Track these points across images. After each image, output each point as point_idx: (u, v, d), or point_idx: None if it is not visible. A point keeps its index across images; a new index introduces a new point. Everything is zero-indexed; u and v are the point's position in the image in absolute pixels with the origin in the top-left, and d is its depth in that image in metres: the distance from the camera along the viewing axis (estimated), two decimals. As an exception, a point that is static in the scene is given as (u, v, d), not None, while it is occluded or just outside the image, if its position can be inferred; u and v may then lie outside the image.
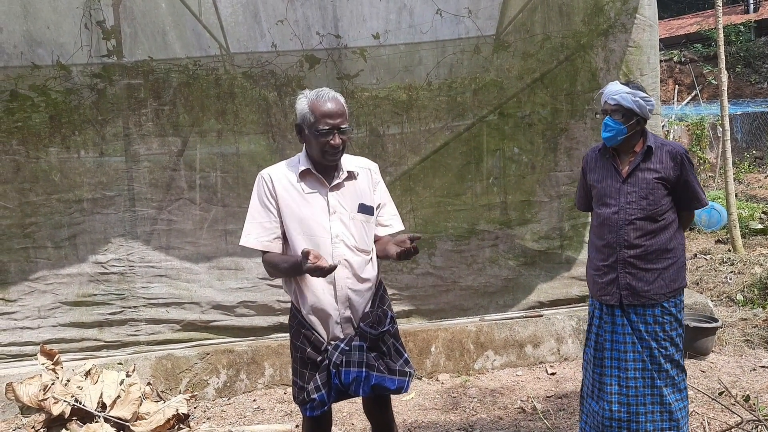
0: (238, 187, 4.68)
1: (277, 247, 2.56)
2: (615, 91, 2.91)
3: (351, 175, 2.60)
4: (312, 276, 2.36)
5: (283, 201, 2.53)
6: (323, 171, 2.56)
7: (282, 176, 2.56)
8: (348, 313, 2.56)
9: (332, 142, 2.45)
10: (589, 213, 3.29)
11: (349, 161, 2.64)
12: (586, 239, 4.95)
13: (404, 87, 4.86)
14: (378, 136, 4.82)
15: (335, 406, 4.03)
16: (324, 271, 2.29)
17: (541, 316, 4.88)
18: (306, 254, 2.27)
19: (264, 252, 2.59)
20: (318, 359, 2.55)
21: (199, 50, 4.64)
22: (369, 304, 2.62)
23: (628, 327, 2.94)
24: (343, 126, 2.47)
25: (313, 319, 2.56)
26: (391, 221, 2.72)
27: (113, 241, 4.51)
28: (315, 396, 2.54)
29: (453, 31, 4.90)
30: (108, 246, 4.50)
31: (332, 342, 2.56)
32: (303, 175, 2.55)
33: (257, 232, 2.56)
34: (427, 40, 4.85)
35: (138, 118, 4.52)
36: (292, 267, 2.46)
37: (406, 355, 2.69)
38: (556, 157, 5.01)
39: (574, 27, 4.89)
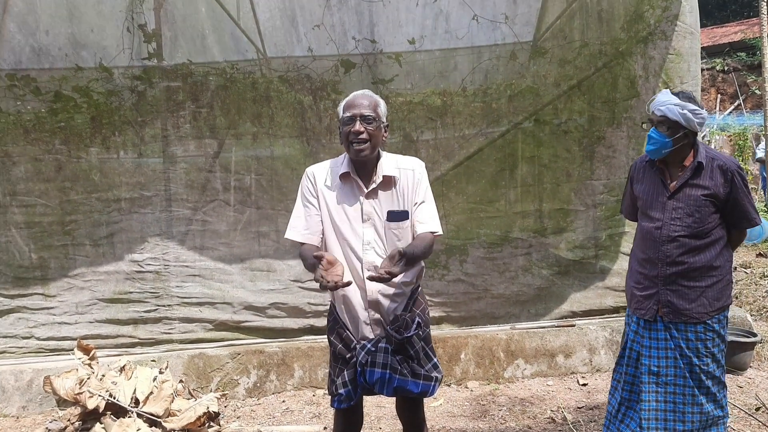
0: (271, 190, 4.72)
1: (317, 241, 2.60)
2: (663, 101, 2.78)
3: (389, 180, 2.58)
4: (323, 288, 2.31)
5: (323, 200, 2.58)
6: (361, 174, 2.57)
7: (325, 176, 2.60)
8: (377, 315, 2.59)
9: (353, 129, 2.45)
10: (632, 222, 3.21)
11: (391, 163, 2.60)
12: (623, 249, 4.89)
13: (439, 92, 4.85)
14: (411, 142, 4.82)
15: (364, 410, 4.03)
16: (329, 288, 2.27)
17: (573, 325, 4.81)
18: (319, 258, 2.27)
19: (302, 244, 2.61)
20: (347, 356, 2.61)
21: (237, 54, 4.71)
22: (401, 308, 2.61)
23: (671, 342, 2.84)
24: (365, 113, 2.47)
25: (345, 318, 2.63)
26: (425, 220, 2.60)
27: (149, 240, 4.60)
28: (342, 391, 2.61)
29: (489, 36, 4.87)
30: (144, 245, 4.59)
31: (361, 341, 2.60)
32: (342, 178, 2.57)
33: (300, 225, 2.61)
34: (462, 46, 4.83)
35: (176, 120, 4.60)
36: (311, 266, 2.46)
37: (435, 359, 2.68)
38: (593, 166, 4.93)
39: (613, 34, 4.82)
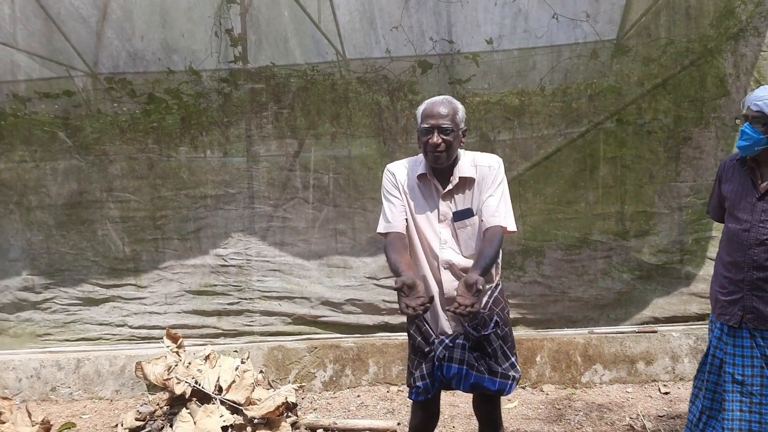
0: (349, 189, 4.82)
1: (401, 228, 2.62)
2: (760, 96, 2.62)
3: (465, 181, 2.60)
4: (403, 313, 2.32)
5: (406, 197, 2.65)
6: (438, 176, 2.61)
7: (404, 174, 2.67)
8: None
9: (431, 140, 2.49)
10: (720, 226, 3.09)
11: (468, 162, 2.62)
12: (710, 254, 4.70)
13: (516, 92, 4.81)
14: (488, 142, 4.80)
15: (437, 408, 4.06)
16: (417, 314, 2.27)
17: (656, 332, 4.66)
18: (399, 288, 2.29)
19: (386, 234, 2.64)
20: (426, 349, 2.65)
21: (317, 56, 4.84)
22: (482, 305, 2.61)
23: (756, 350, 2.72)
24: (443, 125, 2.49)
25: (426, 313, 2.63)
26: (491, 214, 2.55)
27: (233, 235, 4.79)
28: (419, 384, 2.66)
29: (569, 35, 4.79)
30: (228, 240, 4.79)
31: (440, 336, 2.63)
32: (420, 179, 2.62)
33: (385, 219, 2.66)
34: (541, 45, 4.78)
35: (259, 121, 4.78)
36: (395, 272, 2.49)
37: (513, 359, 2.67)
38: (678, 167, 4.76)
39: (701, 30, 4.64)
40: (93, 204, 4.80)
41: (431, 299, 2.36)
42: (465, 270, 2.55)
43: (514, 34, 4.80)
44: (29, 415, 3.94)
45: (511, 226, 2.60)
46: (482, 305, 2.61)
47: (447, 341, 2.60)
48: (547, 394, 4.42)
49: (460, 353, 2.57)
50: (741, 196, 2.79)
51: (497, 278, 2.70)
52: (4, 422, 4.08)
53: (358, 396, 4.45)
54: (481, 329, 2.57)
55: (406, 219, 2.64)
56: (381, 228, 2.68)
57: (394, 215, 2.64)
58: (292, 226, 4.84)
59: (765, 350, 2.71)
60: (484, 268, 2.39)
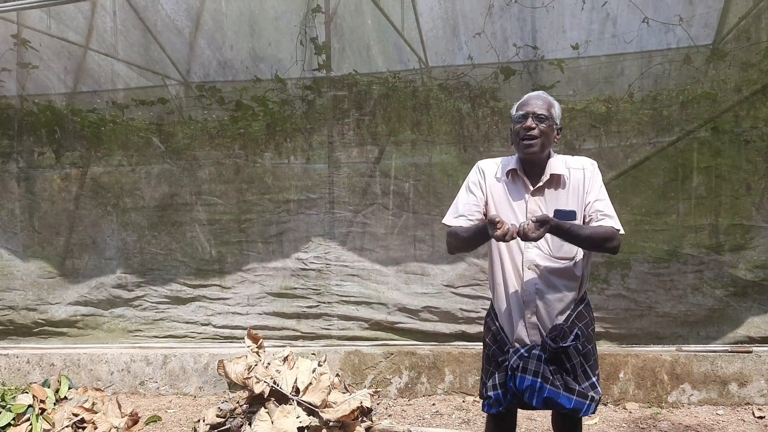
0: (428, 196, 4.81)
1: (466, 224, 2.59)
2: None
3: (557, 179, 2.54)
4: (497, 240, 2.30)
5: (489, 194, 2.60)
6: (528, 173, 2.56)
7: (494, 170, 2.63)
8: (534, 319, 2.53)
9: (525, 124, 2.47)
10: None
11: (560, 162, 2.57)
12: (812, 272, 4.39)
13: (603, 99, 4.67)
14: (573, 150, 4.67)
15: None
16: (507, 235, 2.25)
17: (750, 352, 4.38)
18: (493, 222, 2.25)
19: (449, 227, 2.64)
20: (500, 359, 2.58)
21: (399, 64, 4.87)
22: (563, 317, 2.53)
23: None
24: (538, 112, 2.46)
25: (503, 318, 2.60)
26: (603, 216, 2.48)
27: (313, 240, 4.89)
28: (491, 394, 2.58)
29: (660, 40, 4.61)
30: (309, 244, 4.89)
31: (515, 344, 2.55)
32: (510, 175, 2.58)
33: (455, 211, 2.63)
34: (630, 51, 4.62)
35: (341, 128, 4.86)
36: (474, 234, 2.48)
37: (594, 379, 2.54)
38: (779, 178, 4.48)
39: (807, 32, 4.36)
40: (183, 207, 5.02)
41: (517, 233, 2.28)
42: (551, 271, 2.49)
43: (601, 40, 4.67)
44: (119, 406, 4.14)
45: (622, 229, 2.53)
46: (565, 318, 2.53)
47: (522, 351, 2.51)
48: (630, 412, 4.24)
49: (535, 364, 2.47)
50: None
51: (583, 292, 2.60)
52: (96, 412, 4.31)
53: (434, 404, 4.42)
54: (559, 341, 2.46)
55: (484, 215, 2.60)
56: (448, 219, 2.64)
57: (467, 208, 2.60)
58: (371, 232, 4.88)
59: None
60: (569, 228, 2.34)
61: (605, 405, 4.34)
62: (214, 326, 4.95)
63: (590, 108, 4.69)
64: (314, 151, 4.91)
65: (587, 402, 2.50)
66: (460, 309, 4.75)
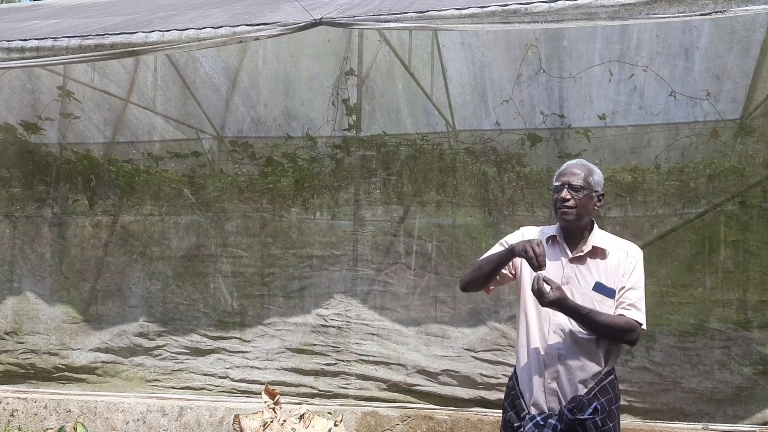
0: (451, 257, 4.82)
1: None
2: None
3: (598, 252, 2.54)
4: (520, 255, 2.42)
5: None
6: (569, 240, 2.58)
7: (533, 234, 2.67)
8: (554, 385, 2.48)
9: (561, 195, 2.51)
10: None
11: (604, 239, 2.58)
12: (844, 353, 4.27)
13: (629, 169, 4.70)
14: (598, 218, 4.67)
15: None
16: (529, 252, 2.35)
17: (781, 435, 4.23)
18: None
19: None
20: (516, 424, 2.54)
21: (427, 126, 4.99)
22: (585, 389, 2.46)
23: None
24: (573, 182, 2.50)
25: (523, 383, 2.57)
26: (629, 307, 2.47)
27: (335, 296, 4.90)
28: None
29: (687, 113, 4.66)
30: (330, 301, 4.90)
31: (532, 410, 2.51)
32: (550, 241, 2.61)
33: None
34: (657, 122, 4.67)
35: (367, 186, 4.94)
36: (494, 258, 2.58)
37: None
38: (808, 255, 4.42)
39: (835, 112, 4.38)
40: (208, 258, 5.09)
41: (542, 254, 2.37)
42: (577, 339, 2.47)
43: (628, 111, 4.73)
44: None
45: (644, 323, 2.52)
46: (588, 390, 2.47)
47: (539, 418, 2.45)
48: (654, 492, 4.09)
49: None
50: None
51: (610, 366, 2.53)
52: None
53: (450, 472, 4.31)
54: (576, 412, 2.39)
55: (507, 276, 2.67)
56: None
57: (490, 252, 2.69)
58: (393, 291, 4.88)
59: None
60: (584, 312, 2.39)
61: (628, 483, 4.19)
62: (232, 379, 4.93)
63: (616, 177, 4.72)
64: (340, 208, 4.98)
65: None
66: (480, 374, 4.67)
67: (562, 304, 2.36)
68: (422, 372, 4.75)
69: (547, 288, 2.33)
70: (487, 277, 2.63)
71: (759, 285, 4.47)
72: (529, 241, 2.40)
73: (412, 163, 4.94)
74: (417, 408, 4.68)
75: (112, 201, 5.32)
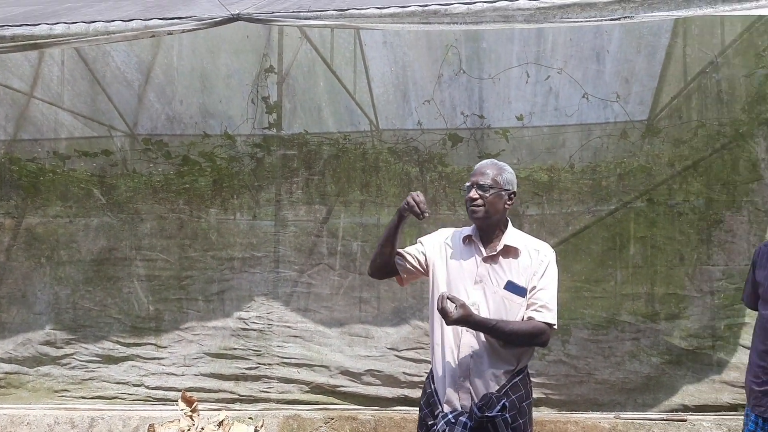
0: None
1: (398, 263, 2.73)
2: None
3: (510, 251, 2.58)
4: (404, 212, 2.54)
5: (441, 254, 2.68)
6: (483, 240, 2.62)
7: (454, 236, 2.71)
8: (467, 384, 2.51)
9: (469, 195, 2.57)
10: (753, 313, 3.02)
11: (517, 238, 2.62)
12: (743, 341, 4.54)
13: (546, 168, 4.83)
14: (517, 216, 4.79)
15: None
16: (410, 205, 2.50)
17: (685, 420, 4.47)
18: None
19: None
20: (429, 422, 2.56)
21: (350, 125, 4.95)
22: (496, 386, 2.50)
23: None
24: (482, 182, 2.55)
25: (438, 381, 2.59)
26: (540, 309, 2.52)
27: (256, 299, 4.79)
28: None
29: (599, 115, 4.84)
30: (251, 303, 4.78)
31: (445, 408, 2.53)
32: (465, 240, 2.65)
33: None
34: (572, 123, 4.83)
35: (289, 186, 4.85)
36: (388, 227, 2.66)
37: None
38: (709, 250, 4.68)
39: (732, 115, 4.65)
40: (121, 261, 4.86)
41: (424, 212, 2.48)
42: (488, 338, 2.50)
43: (544, 112, 4.87)
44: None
45: (556, 323, 2.57)
46: (499, 387, 2.50)
47: (450, 416, 2.48)
48: (571, 482, 4.22)
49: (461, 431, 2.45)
50: (775, 282, 2.74)
51: (522, 365, 2.58)
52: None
53: (374, 472, 4.30)
54: (485, 410, 2.42)
55: (416, 269, 2.72)
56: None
57: (408, 251, 2.73)
58: (316, 293, 4.82)
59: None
60: (490, 324, 2.43)
61: (546, 474, 4.32)
62: (147, 387, 4.73)
63: (533, 176, 4.84)
64: (261, 208, 4.87)
65: None
66: (404, 373, 4.69)
67: (467, 320, 2.38)
68: (345, 373, 4.72)
69: (451, 307, 2.35)
70: (385, 251, 2.67)
71: (665, 279, 4.70)
72: (409, 194, 2.50)
73: (334, 163, 4.90)
74: (340, 409, 4.65)
75: (14, 202, 4.99)
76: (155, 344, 4.77)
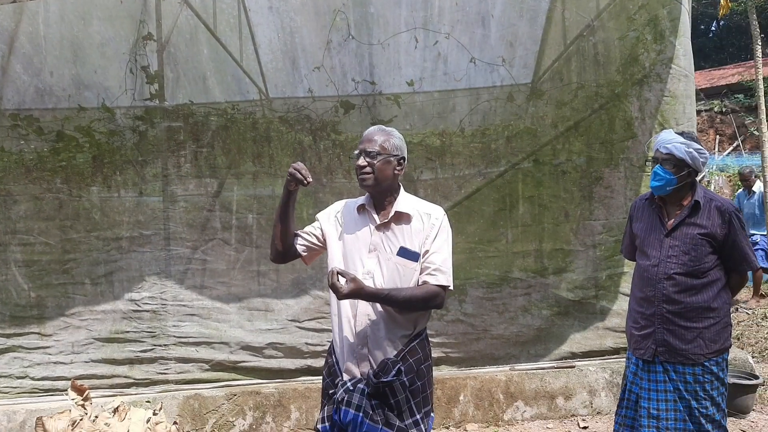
0: (271, 229, 4.71)
1: (300, 242, 2.72)
2: (668, 139, 2.84)
3: (402, 217, 2.59)
4: (289, 184, 2.54)
5: (335, 227, 2.67)
6: (377, 208, 2.62)
7: (348, 207, 2.71)
8: (365, 351, 2.52)
9: (357, 162, 2.56)
10: (631, 263, 3.22)
11: (408, 202, 2.63)
12: (622, 290, 4.87)
13: (438, 133, 4.90)
14: (411, 181, 4.84)
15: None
16: (293, 174, 2.50)
17: (573, 367, 4.76)
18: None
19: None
20: (330, 391, 2.58)
21: (238, 95, 4.77)
22: (394, 351, 2.53)
23: (669, 384, 2.82)
24: (368, 149, 2.54)
25: (338, 350, 2.61)
26: (434, 272, 2.53)
27: (147, 279, 4.59)
28: (319, 426, 2.56)
29: (487, 79, 4.95)
30: (142, 284, 4.58)
31: (345, 377, 2.55)
32: (359, 209, 2.65)
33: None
34: (460, 88, 4.91)
35: (177, 160, 4.65)
36: (279, 204, 2.65)
37: (418, 416, 2.54)
38: (591, 206, 4.95)
39: (608, 76, 4.90)
40: (-6, 247, 4.50)
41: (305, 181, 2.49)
42: (385, 309, 2.51)
43: (434, 77, 4.91)
44: None
45: (451, 284, 2.59)
46: (397, 352, 2.52)
47: (349, 384, 2.50)
48: (470, 434, 4.41)
49: (359, 398, 2.46)
50: (650, 233, 2.93)
51: (419, 328, 2.61)
52: None
53: (279, 444, 4.30)
54: (381, 375, 2.46)
55: (316, 245, 2.72)
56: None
57: (306, 230, 2.73)
58: (212, 269, 4.68)
59: (677, 384, 2.80)
60: (383, 294, 2.44)
61: (447, 428, 4.48)
62: (32, 378, 4.44)
63: (426, 141, 4.90)
64: (147, 184, 4.63)
65: None
66: (306, 343, 4.68)
67: (358, 293, 2.38)
68: (246, 348, 4.65)
69: (342, 281, 2.34)
70: (283, 233, 2.66)
71: (552, 235, 4.93)
72: (290, 165, 2.50)
73: (223, 134, 4.73)
74: (243, 385, 4.59)
75: None
76: (39, 333, 4.47)
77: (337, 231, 2.66)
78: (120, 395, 4.31)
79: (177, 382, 4.54)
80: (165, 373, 4.54)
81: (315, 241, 2.70)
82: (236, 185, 4.72)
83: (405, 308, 2.51)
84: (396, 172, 2.62)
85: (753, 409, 4.53)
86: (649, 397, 2.85)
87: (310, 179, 2.50)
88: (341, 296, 2.35)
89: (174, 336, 4.57)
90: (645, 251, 2.94)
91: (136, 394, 4.42)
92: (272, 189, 4.75)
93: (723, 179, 14.27)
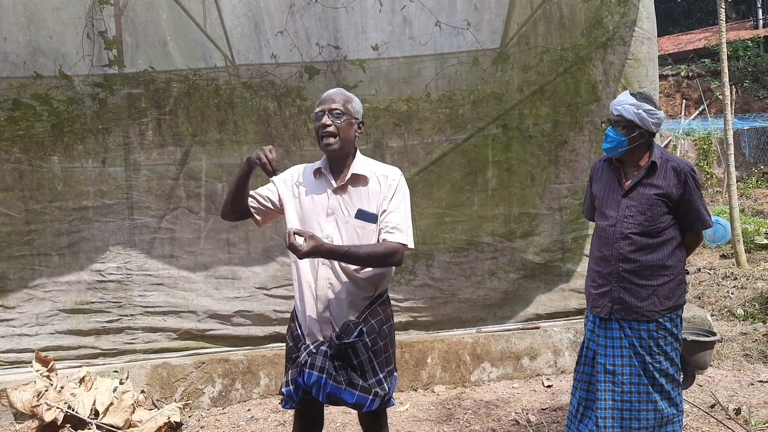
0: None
1: (254, 205, 2.67)
2: (619, 101, 2.88)
3: (360, 179, 2.59)
4: (254, 164, 2.46)
5: (292, 191, 2.65)
6: (334, 171, 2.61)
7: (305, 171, 2.68)
8: (327, 314, 2.54)
9: (321, 122, 2.52)
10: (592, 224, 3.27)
11: (365, 164, 2.62)
12: (587, 252, 4.94)
13: (404, 99, 4.88)
14: (378, 147, 4.83)
15: (330, 416, 4.02)
16: (257, 157, 2.42)
17: (538, 328, 4.86)
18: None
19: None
20: (294, 355, 2.60)
21: (201, 61, 4.68)
22: (356, 314, 2.56)
23: (625, 340, 2.90)
24: (334, 107, 2.52)
25: (300, 315, 2.62)
26: (392, 230, 2.53)
27: (112, 249, 4.54)
28: (284, 390, 2.59)
29: (452, 43, 4.91)
30: (106, 254, 4.53)
31: (307, 340, 2.57)
32: (316, 173, 2.63)
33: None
34: (426, 53, 4.87)
35: (139, 128, 4.56)
36: (238, 174, 2.57)
37: (381, 375, 2.58)
38: (557, 170, 4.99)
39: (573, 40, 4.90)
40: (-49, 219, 4.40)
41: (275, 169, 2.41)
42: (344, 267, 2.53)
43: (400, 42, 4.86)
44: None
45: (411, 243, 2.59)
46: (359, 314, 2.55)
47: (311, 347, 2.53)
48: (438, 394, 4.49)
49: (322, 360, 2.48)
50: (608, 194, 2.99)
51: (381, 290, 2.63)
52: None
53: (249, 410, 4.33)
54: (343, 337, 2.49)
55: (271, 209, 2.69)
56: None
57: (260, 192, 2.68)
58: (177, 238, 4.64)
59: (633, 340, 2.88)
60: (342, 251, 2.42)
61: (415, 390, 4.56)
62: (-3, 352, 4.41)
63: (393, 107, 4.87)
64: (110, 153, 4.55)
65: (370, 397, 2.53)
66: (274, 310, 4.70)
67: (318, 251, 2.35)
68: (214, 316, 4.65)
69: (300, 240, 2.31)
70: (236, 197, 2.61)
71: (519, 199, 4.98)
72: (261, 148, 2.42)
73: (186, 101, 4.65)
74: (212, 353, 4.60)
75: None
76: (2, 305, 4.40)
77: (295, 196, 2.64)
78: (87, 366, 4.29)
79: (145, 352, 4.53)
80: (132, 343, 4.53)
81: (269, 204, 2.68)
82: (201, 153, 4.66)
83: (365, 264, 2.52)
84: (356, 135, 2.63)
85: (710, 365, 4.68)
86: (605, 354, 2.93)
87: (279, 171, 2.45)
88: (301, 255, 2.32)
89: (140, 306, 4.55)
90: (603, 212, 2.99)
91: (103, 365, 4.40)
92: (238, 157, 4.70)
93: (689, 143, 14.50)
